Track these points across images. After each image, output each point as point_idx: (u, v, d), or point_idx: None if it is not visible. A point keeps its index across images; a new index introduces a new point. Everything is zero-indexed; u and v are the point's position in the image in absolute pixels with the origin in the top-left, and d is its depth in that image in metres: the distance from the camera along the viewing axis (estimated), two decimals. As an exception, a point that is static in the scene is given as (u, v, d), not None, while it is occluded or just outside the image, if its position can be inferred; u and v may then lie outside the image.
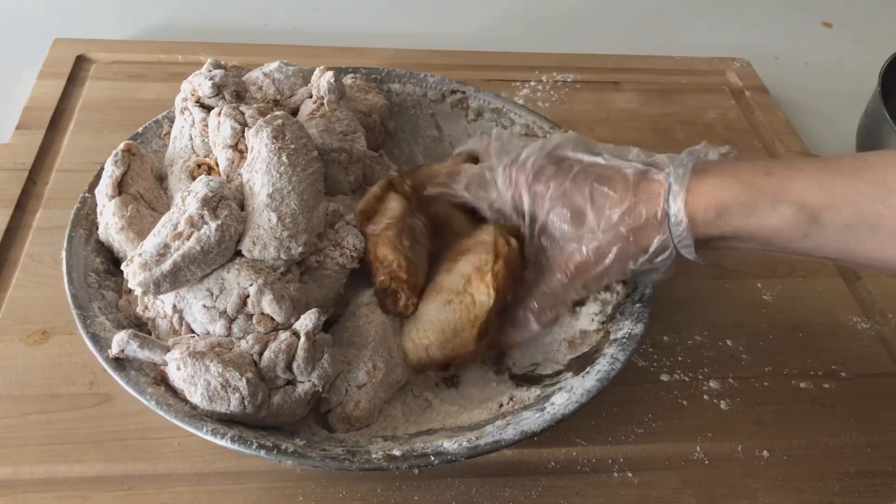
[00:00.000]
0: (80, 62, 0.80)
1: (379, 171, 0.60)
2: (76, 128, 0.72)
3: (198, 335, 0.48)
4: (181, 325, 0.48)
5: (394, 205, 0.55)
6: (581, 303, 0.56)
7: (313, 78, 0.59)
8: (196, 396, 0.45)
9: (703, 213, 0.46)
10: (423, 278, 0.53)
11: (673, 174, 0.47)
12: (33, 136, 0.70)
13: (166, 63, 0.81)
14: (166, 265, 0.45)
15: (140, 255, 0.46)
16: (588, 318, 0.56)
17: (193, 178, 0.55)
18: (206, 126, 0.55)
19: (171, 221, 0.47)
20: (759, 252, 0.47)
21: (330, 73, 0.58)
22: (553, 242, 0.51)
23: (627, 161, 0.50)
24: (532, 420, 0.47)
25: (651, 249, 0.48)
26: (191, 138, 0.57)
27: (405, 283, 0.51)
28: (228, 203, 0.48)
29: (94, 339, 0.47)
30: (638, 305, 0.54)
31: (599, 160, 0.50)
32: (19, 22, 0.88)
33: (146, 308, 0.50)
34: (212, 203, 0.47)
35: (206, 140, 0.56)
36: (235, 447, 0.43)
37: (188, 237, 0.46)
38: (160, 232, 0.47)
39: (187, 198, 0.48)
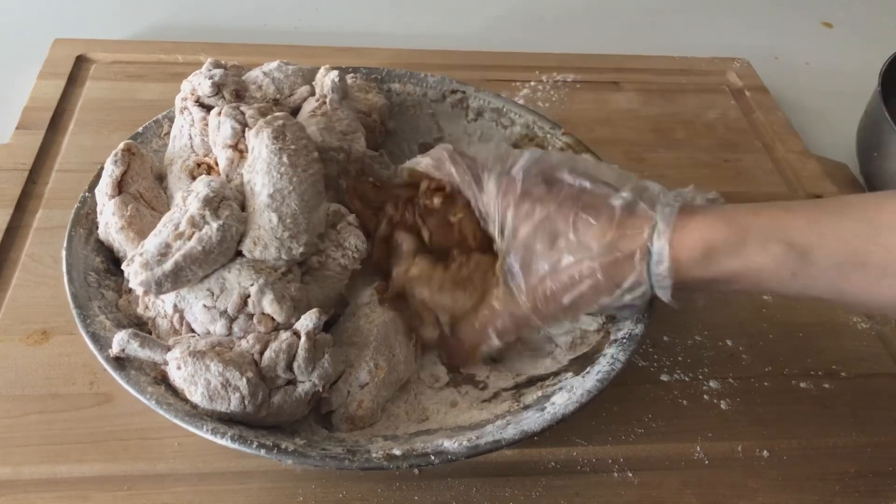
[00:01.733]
0: (80, 62, 0.80)
1: (378, 171, 0.60)
2: (76, 128, 0.72)
3: (198, 335, 0.48)
4: (181, 324, 0.48)
5: (404, 243, 0.55)
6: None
7: (318, 75, 0.59)
8: (196, 396, 0.45)
9: (689, 253, 0.45)
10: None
11: (660, 213, 0.46)
12: (33, 136, 0.70)
13: (166, 63, 0.81)
14: (168, 265, 0.45)
15: (141, 254, 0.46)
16: (588, 319, 0.56)
17: (193, 178, 0.55)
18: (206, 125, 0.55)
19: (173, 221, 0.47)
20: (743, 293, 0.47)
21: (335, 72, 0.58)
22: (526, 266, 0.50)
23: (618, 193, 0.49)
24: (532, 420, 0.47)
25: (624, 286, 0.47)
26: (190, 137, 0.57)
27: (449, 316, 0.53)
28: (230, 203, 0.48)
29: (95, 338, 0.47)
30: (638, 305, 0.54)
31: (590, 186, 0.50)
32: (19, 22, 0.88)
33: (146, 307, 0.50)
34: (213, 203, 0.47)
35: (205, 139, 0.56)
36: (235, 446, 0.43)
37: (190, 237, 0.46)
38: (161, 232, 0.47)
39: (188, 197, 0.48)
